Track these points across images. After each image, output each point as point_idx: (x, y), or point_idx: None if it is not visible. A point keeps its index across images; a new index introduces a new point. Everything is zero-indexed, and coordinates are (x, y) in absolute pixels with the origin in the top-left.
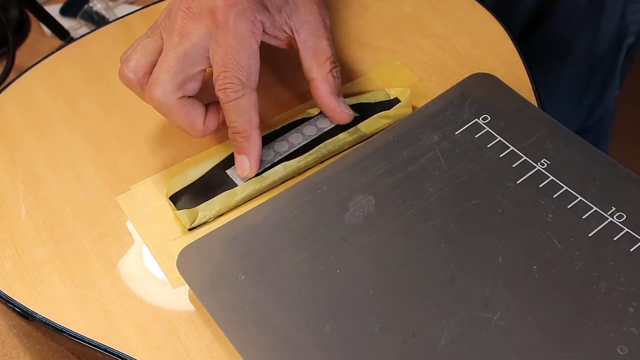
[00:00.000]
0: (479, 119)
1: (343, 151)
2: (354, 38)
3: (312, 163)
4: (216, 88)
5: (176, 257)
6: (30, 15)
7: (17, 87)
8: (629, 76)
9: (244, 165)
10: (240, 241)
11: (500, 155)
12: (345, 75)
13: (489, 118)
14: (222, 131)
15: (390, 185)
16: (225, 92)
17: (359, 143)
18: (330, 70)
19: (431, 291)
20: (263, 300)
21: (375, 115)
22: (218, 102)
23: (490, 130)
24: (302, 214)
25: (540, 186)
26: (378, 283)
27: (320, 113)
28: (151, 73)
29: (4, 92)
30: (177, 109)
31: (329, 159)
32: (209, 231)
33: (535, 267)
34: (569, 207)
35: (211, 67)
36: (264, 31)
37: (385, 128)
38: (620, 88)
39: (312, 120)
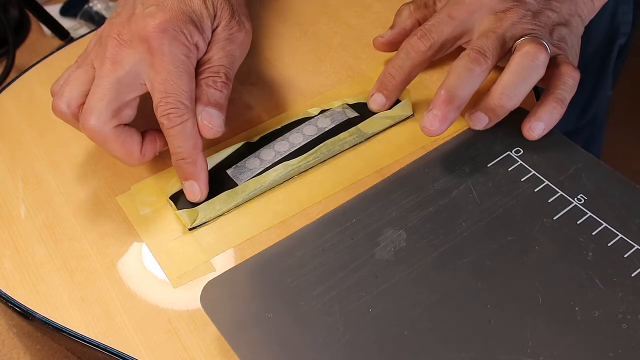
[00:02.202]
0: (511, 152)
1: (343, 151)
2: (355, 38)
3: (312, 162)
4: (158, 114)
5: (176, 257)
6: (30, 15)
7: (18, 87)
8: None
9: (195, 190)
10: (267, 277)
11: (535, 190)
12: (346, 75)
13: (522, 151)
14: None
15: (421, 219)
16: (169, 117)
17: (359, 143)
18: (206, 77)
19: (468, 333)
20: (292, 340)
21: (375, 115)
22: (154, 129)
23: (524, 164)
24: (330, 248)
25: (578, 222)
26: (412, 324)
27: (321, 113)
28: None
29: (4, 92)
30: (113, 138)
31: (329, 158)
32: (208, 230)
33: (577, 308)
34: (609, 245)
35: (144, 93)
36: (198, 51)
37: (387, 129)
38: (613, 88)
39: (312, 120)
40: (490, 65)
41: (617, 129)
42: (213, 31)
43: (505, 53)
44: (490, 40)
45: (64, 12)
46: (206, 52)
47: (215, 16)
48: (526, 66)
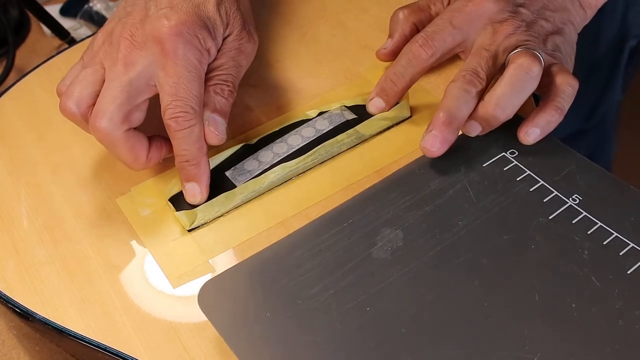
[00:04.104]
0: (506, 153)
1: (341, 152)
2: (353, 40)
3: (310, 164)
4: (166, 117)
5: (176, 258)
6: (30, 15)
7: (18, 91)
8: (636, 97)
9: (195, 192)
10: (264, 276)
11: (531, 189)
12: (344, 77)
13: (517, 152)
14: None
15: (418, 218)
16: (177, 120)
17: (357, 144)
18: (215, 85)
19: (466, 331)
20: (290, 339)
21: (373, 117)
22: (160, 136)
23: (519, 164)
24: (327, 248)
25: (573, 222)
26: (410, 321)
27: (319, 115)
28: (94, 104)
29: (4, 96)
30: (122, 142)
31: (327, 160)
32: (207, 231)
33: (574, 305)
34: (604, 243)
35: (154, 95)
36: (209, 56)
37: (385, 130)
38: (625, 91)
39: (310, 122)
40: (485, 85)
41: (630, 136)
42: (224, 39)
43: (499, 68)
44: (483, 60)
45: (64, 12)
46: (216, 59)
47: (227, 25)
48: (520, 78)
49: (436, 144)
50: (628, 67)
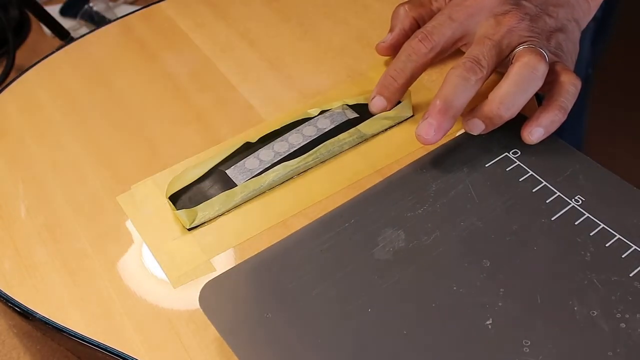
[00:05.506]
0: (509, 153)
1: (343, 152)
2: (355, 38)
3: (311, 163)
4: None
5: (176, 257)
6: (30, 15)
7: (17, 87)
8: (606, 73)
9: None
10: (265, 277)
11: (533, 190)
12: (346, 75)
13: (519, 152)
14: (220, 131)
15: (420, 219)
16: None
17: (358, 144)
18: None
19: (467, 332)
20: (291, 340)
21: (375, 116)
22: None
23: (522, 165)
24: (329, 249)
25: (575, 223)
26: (411, 323)
27: (320, 114)
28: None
29: (4, 92)
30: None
31: (328, 159)
32: (208, 230)
33: (576, 308)
34: (607, 245)
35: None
36: None
37: (387, 129)
38: (593, 67)
39: (312, 120)
40: (485, 74)
41: (596, 114)
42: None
43: (502, 60)
44: (486, 48)
45: (64, 12)
46: None
47: None
48: (526, 77)
49: (431, 132)
50: (595, 41)
